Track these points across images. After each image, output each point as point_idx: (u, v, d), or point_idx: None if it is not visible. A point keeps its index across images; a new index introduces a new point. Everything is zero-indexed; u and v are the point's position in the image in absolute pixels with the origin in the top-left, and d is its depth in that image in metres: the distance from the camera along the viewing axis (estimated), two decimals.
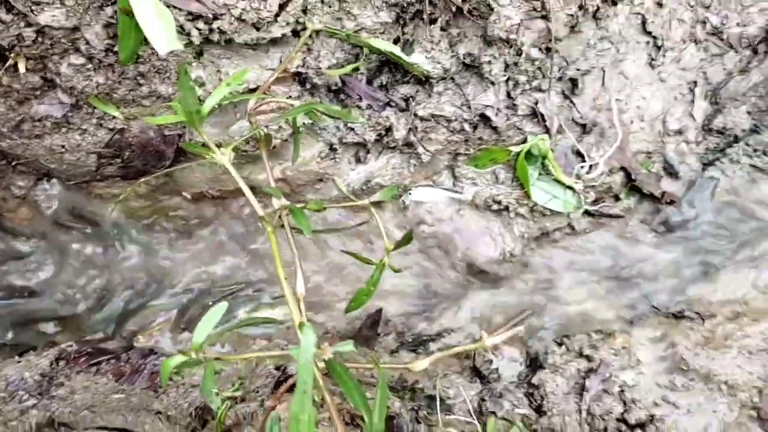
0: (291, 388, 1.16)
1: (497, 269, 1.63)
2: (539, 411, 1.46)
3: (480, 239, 1.62)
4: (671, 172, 1.72)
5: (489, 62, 1.45)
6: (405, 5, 1.36)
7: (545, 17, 1.46)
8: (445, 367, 1.50)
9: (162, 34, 1.11)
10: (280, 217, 1.13)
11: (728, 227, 1.74)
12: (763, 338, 1.62)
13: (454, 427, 1.28)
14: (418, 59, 1.37)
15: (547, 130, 1.58)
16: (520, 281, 1.68)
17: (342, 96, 1.48)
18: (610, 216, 1.70)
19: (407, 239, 1.10)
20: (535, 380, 1.52)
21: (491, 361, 1.49)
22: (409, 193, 1.59)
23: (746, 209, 1.74)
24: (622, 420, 1.49)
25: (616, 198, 1.68)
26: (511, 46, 1.47)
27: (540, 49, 1.50)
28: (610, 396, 1.48)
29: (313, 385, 0.88)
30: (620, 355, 1.54)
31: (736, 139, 1.72)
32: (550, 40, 1.52)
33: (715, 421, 1.60)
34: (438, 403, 1.30)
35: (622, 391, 1.50)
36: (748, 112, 1.69)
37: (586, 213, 1.67)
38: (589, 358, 1.53)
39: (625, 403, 1.49)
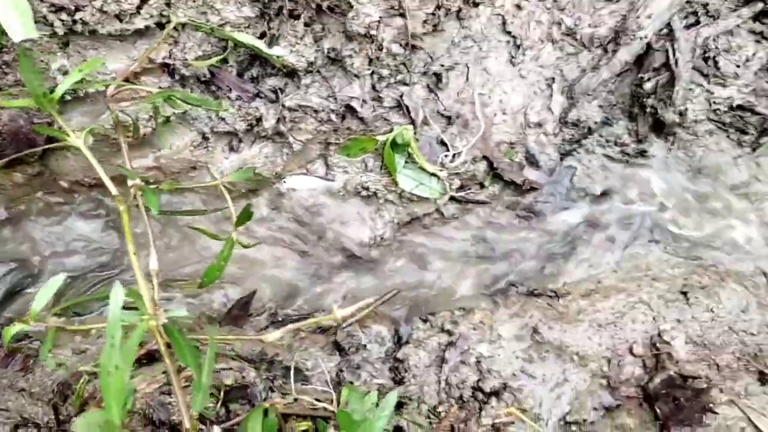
0: (145, 358, 1.23)
1: (369, 252, 1.74)
2: (398, 381, 1.56)
3: (352, 224, 1.72)
4: (532, 161, 1.86)
5: (350, 56, 1.55)
6: (267, 1, 1.44)
7: (403, 15, 1.57)
8: (311, 343, 1.59)
9: (17, 22, 1.16)
10: (135, 197, 1.20)
11: (585, 211, 1.89)
12: (612, 312, 1.77)
13: (309, 395, 1.36)
14: (280, 52, 1.45)
15: (412, 121, 1.69)
16: (392, 263, 1.78)
17: (212, 87, 1.55)
18: (476, 202, 1.83)
19: (246, 215, 1.19)
20: (399, 355, 1.62)
21: (353, 336, 1.59)
22: (284, 181, 1.68)
23: (601, 194, 1.90)
24: (477, 388, 1.61)
25: (481, 185, 1.81)
26: (372, 42, 1.57)
27: (400, 44, 1.61)
28: (466, 366, 1.60)
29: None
30: (479, 329, 1.66)
31: (590, 131, 1.87)
32: (411, 37, 1.64)
33: (568, 390, 1.74)
34: (292, 372, 1.39)
35: (479, 362, 1.62)
36: (600, 106, 1.85)
37: (453, 199, 1.79)
38: (450, 333, 1.64)
39: (480, 373, 1.61)
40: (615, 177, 1.91)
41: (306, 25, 1.51)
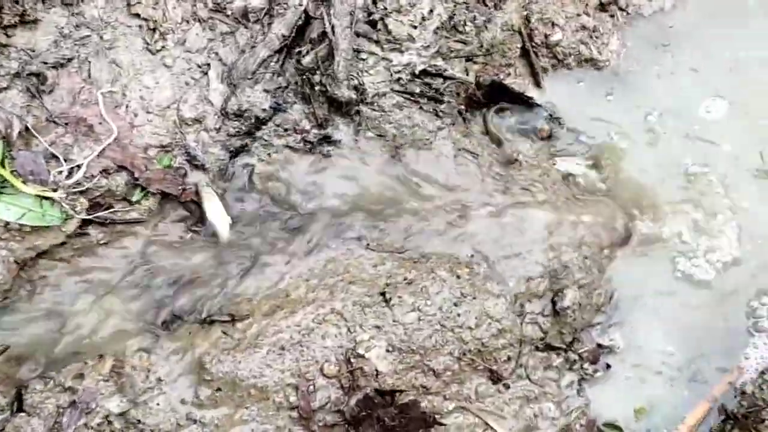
0: None
1: None
2: None
3: None
4: (196, 164, 1.57)
5: None
6: None
7: None
8: None
9: None
10: None
11: (272, 215, 1.61)
12: (298, 330, 1.51)
13: None
14: None
15: (5, 136, 1.36)
16: (20, 309, 1.44)
17: None
18: (127, 222, 1.51)
19: None
20: (9, 428, 1.28)
21: None
22: None
23: (288, 193, 1.63)
24: None
25: (129, 201, 1.49)
26: None
27: None
28: (89, 431, 1.28)
29: None
30: (111, 379, 1.35)
31: (262, 121, 1.59)
32: None
33: (247, 431, 1.45)
34: None
35: (109, 422, 1.30)
36: (266, 91, 1.57)
37: (91, 222, 1.46)
38: (73, 391, 1.32)
39: None
40: (303, 170, 1.64)
41: None
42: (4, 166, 1.34)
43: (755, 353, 1.74)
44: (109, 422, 1.32)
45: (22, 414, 1.31)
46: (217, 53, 1.59)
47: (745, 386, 1.70)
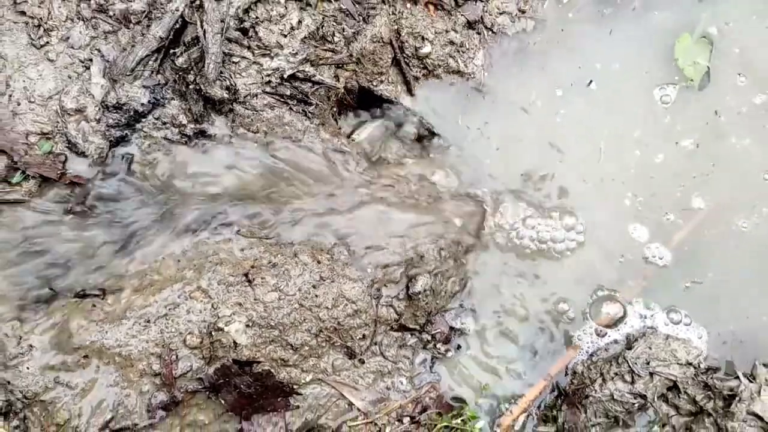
0: None
1: None
2: None
3: None
4: (77, 151, 1.70)
5: None
6: None
7: None
8: None
9: None
10: None
11: (149, 200, 1.75)
12: (165, 304, 1.65)
13: None
14: None
15: None
16: None
17: None
18: (7, 202, 1.63)
19: None
20: None
21: None
22: None
23: (166, 181, 1.77)
24: None
25: (9, 183, 1.62)
26: None
27: None
28: None
29: None
30: None
31: (141, 114, 1.73)
32: None
33: (112, 395, 1.59)
34: None
35: None
36: (145, 86, 1.72)
37: None
38: None
39: None
40: (180, 160, 1.79)
41: None
42: None
43: (586, 338, 1.96)
44: None
45: None
46: (99, 50, 1.73)
47: (576, 366, 1.91)
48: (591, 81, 2.05)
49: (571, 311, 1.96)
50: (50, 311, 1.61)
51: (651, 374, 1.79)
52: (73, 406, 1.54)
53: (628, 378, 1.81)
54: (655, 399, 1.79)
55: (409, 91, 2.06)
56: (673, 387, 1.79)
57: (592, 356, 1.92)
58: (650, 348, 1.84)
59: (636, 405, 1.79)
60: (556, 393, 1.91)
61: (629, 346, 1.86)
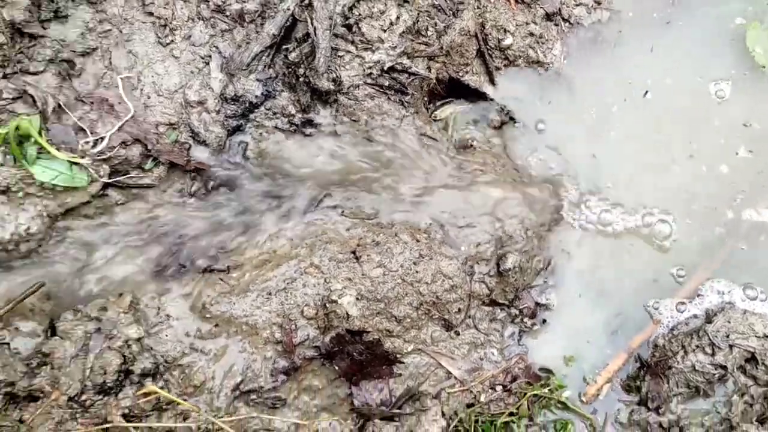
0: None
1: (16, 248, 1.67)
2: (32, 376, 1.52)
3: None
4: (199, 140, 1.86)
5: None
6: None
7: None
8: None
9: None
10: None
11: (263, 184, 1.91)
12: (283, 279, 1.80)
13: None
14: None
15: (42, 111, 1.64)
16: (51, 256, 1.73)
17: None
18: (141, 186, 1.80)
19: None
20: (45, 349, 1.58)
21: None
22: None
23: (277, 166, 1.93)
24: (125, 372, 1.59)
25: (142, 169, 1.79)
26: None
27: (3, 34, 1.56)
28: (111, 351, 1.58)
29: None
30: (129, 312, 1.64)
31: (254, 105, 1.89)
32: (16, 26, 1.58)
33: (240, 360, 1.75)
34: None
35: (128, 345, 1.60)
36: (259, 80, 1.88)
37: (111, 186, 1.75)
38: (98, 320, 1.61)
39: (126, 357, 1.59)
40: (289, 147, 1.94)
41: None
42: (41, 136, 1.63)
43: (667, 313, 2.06)
44: (128, 346, 1.62)
45: (56, 338, 1.60)
46: (217, 47, 1.89)
47: (657, 340, 2.02)
48: (647, 90, 2.14)
49: (651, 287, 2.05)
50: (182, 284, 1.77)
51: (730, 347, 1.88)
52: (207, 370, 1.70)
53: (708, 350, 1.90)
54: (735, 370, 1.88)
55: (491, 81, 2.18)
56: (752, 358, 1.88)
57: (673, 330, 2.01)
58: (729, 322, 1.93)
59: (716, 376, 1.88)
60: (638, 365, 2.01)
61: (709, 320, 1.95)
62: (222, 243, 1.86)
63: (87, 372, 1.55)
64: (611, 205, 2.09)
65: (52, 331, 1.63)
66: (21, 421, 1.38)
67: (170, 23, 1.82)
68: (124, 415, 1.49)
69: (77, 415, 1.50)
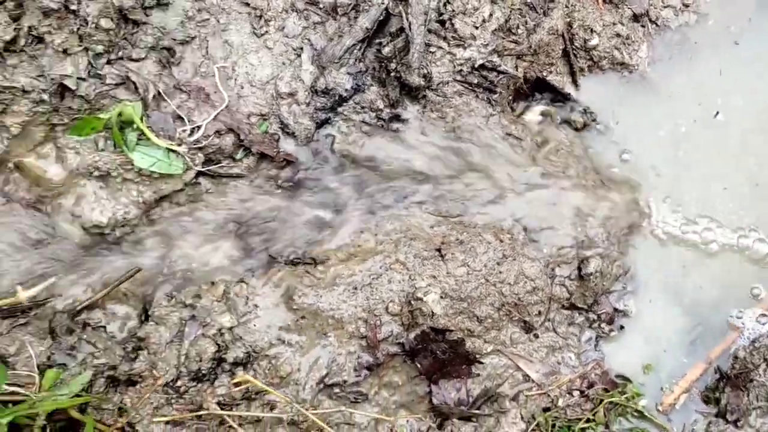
0: None
1: (112, 233, 1.70)
2: (132, 360, 1.54)
3: (87, 205, 1.67)
4: (288, 131, 1.87)
5: (50, 33, 1.50)
6: None
7: None
8: (28, 330, 1.53)
9: None
10: None
11: (348, 178, 1.91)
12: (369, 274, 1.80)
13: (8, 381, 1.32)
14: None
15: (143, 98, 1.66)
16: (143, 242, 1.75)
17: None
18: (231, 176, 1.81)
19: None
20: (141, 333, 1.59)
21: (92, 318, 1.55)
22: None
23: (362, 160, 1.93)
24: (218, 360, 1.60)
25: (233, 159, 1.80)
26: (76, 17, 1.53)
27: (111, 19, 1.58)
28: (206, 339, 1.59)
29: None
30: (222, 301, 1.65)
31: (343, 99, 1.89)
32: (123, 12, 1.60)
33: (326, 353, 1.76)
34: None
35: (222, 333, 1.61)
36: (349, 73, 1.87)
37: (204, 174, 1.77)
38: (192, 307, 1.63)
39: (219, 345, 1.60)
40: (375, 142, 1.94)
41: None
42: (142, 122, 1.65)
43: (749, 324, 2.02)
44: (222, 334, 1.63)
45: (151, 323, 1.61)
46: (309, 39, 1.89)
47: (738, 351, 1.98)
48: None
49: (731, 300, 2.01)
50: (269, 275, 1.78)
51: None
52: (293, 361, 1.71)
53: None
54: None
55: (574, 82, 2.15)
56: None
57: (755, 342, 1.97)
58: None
59: None
60: (717, 376, 1.97)
61: None
62: (307, 235, 1.86)
63: (182, 358, 1.56)
64: (695, 216, 2.05)
65: (145, 315, 1.65)
66: (121, 406, 1.39)
67: (265, 14, 1.82)
68: (218, 403, 1.49)
69: (172, 401, 1.51)
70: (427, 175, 1.95)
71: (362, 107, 1.91)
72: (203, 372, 1.58)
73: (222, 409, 1.51)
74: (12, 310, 1.45)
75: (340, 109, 1.91)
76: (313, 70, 1.86)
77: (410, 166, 1.95)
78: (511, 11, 1.94)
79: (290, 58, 1.86)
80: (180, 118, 1.71)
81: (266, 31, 1.83)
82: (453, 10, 1.86)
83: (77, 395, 1.32)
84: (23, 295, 1.15)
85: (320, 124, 1.90)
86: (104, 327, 1.58)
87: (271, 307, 1.74)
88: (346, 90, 1.87)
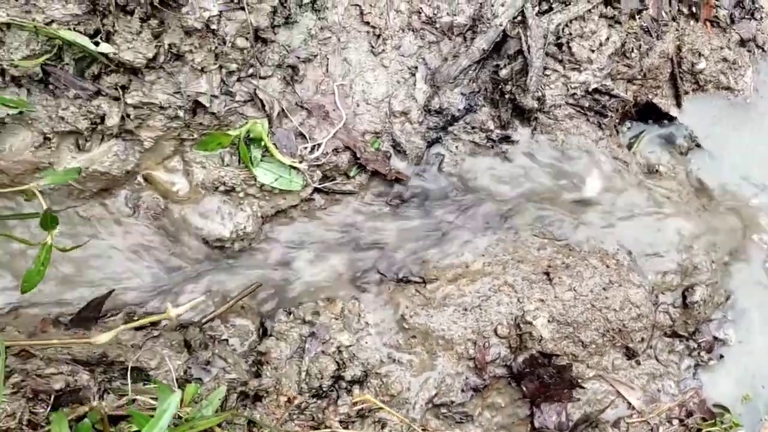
0: None
1: (231, 246, 1.73)
2: (256, 375, 1.57)
3: (210, 219, 1.70)
4: (399, 150, 1.88)
5: (191, 52, 1.53)
6: None
7: (244, 9, 1.56)
8: (166, 341, 1.57)
9: None
10: None
11: (455, 198, 1.92)
12: (477, 296, 1.81)
13: (151, 394, 1.35)
14: (107, 49, 1.43)
15: (268, 115, 1.69)
16: (259, 256, 1.78)
17: (51, 86, 1.52)
18: (343, 192, 1.83)
19: (51, 220, 1.17)
20: (261, 348, 1.62)
21: (215, 331, 1.58)
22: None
23: (470, 181, 1.93)
24: (338, 377, 1.62)
25: (347, 176, 1.82)
26: (215, 36, 1.56)
27: (246, 38, 1.60)
28: (326, 356, 1.61)
29: None
30: (341, 319, 1.67)
31: (455, 118, 1.90)
32: (256, 31, 1.63)
33: (435, 373, 1.77)
34: (129, 372, 1.38)
35: (340, 351, 1.63)
36: (462, 94, 1.88)
37: (318, 191, 1.79)
38: (311, 324, 1.65)
39: (339, 363, 1.62)
40: (483, 163, 1.94)
41: (142, 20, 1.49)
42: (268, 138, 1.67)
43: None
44: (340, 352, 1.65)
45: (271, 338, 1.64)
46: (424, 58, 1.89)
47: None
48: None
49: None
50: (379, 293, 1.80)
51: None
52: (403, 380, 1.72)
53: None
54: None
55: (678, 105, 2.13)
56: None
57: None
58: None
59: None
60: None
61: None
62: (416, 254, 1.87)
63: (303, 375, 1.59)
64: None
65: (263, 330, 1.68)
66: (251, 421, 1.42)
67: (383, 33, 1.83)
68: (339, 422, 1.52)
69: (294, 417, 1.54)
70: (535, 197, 1.94)
71: (473, 127, 1.91)
72: (324, 389, 1.60)
73: (345, 427, 1.53)
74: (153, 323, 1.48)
75: (450, 129, 1.91)
76: (426, 89, 1.87)
77: (518, 188, 1.94)
78: (627, 35, 1.92)
79: (405, 76, 1.87)
80: (301, 135, 1.73)
81: (383, 50, 1.84)
82: (571, 34, 1.85)
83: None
84: (173, 312, 1.17)
85: (430, 143, 1.91)
86: (226, 340, 1.61)
87: (382, 324, 1.75)
88: (459, 110, 1.88)
